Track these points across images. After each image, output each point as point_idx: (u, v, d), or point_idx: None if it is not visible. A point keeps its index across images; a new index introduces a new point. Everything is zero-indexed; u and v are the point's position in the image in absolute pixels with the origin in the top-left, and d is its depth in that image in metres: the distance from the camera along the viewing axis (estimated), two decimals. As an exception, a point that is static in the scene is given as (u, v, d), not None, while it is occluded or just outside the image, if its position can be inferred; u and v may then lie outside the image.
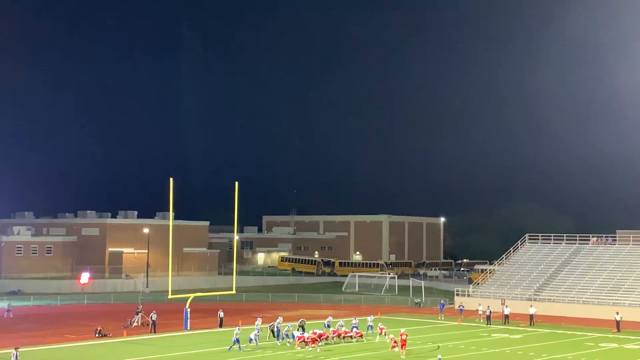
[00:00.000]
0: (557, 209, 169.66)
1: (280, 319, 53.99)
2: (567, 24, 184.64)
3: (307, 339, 48.58)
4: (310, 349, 47.72)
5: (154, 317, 56.89)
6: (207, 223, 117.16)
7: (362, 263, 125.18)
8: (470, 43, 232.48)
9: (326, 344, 49.93)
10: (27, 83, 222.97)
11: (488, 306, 64.90)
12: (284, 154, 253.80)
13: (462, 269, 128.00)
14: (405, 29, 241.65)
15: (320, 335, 49.57)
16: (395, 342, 46.66)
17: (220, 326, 59.12)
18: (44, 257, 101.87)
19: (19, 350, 38.10)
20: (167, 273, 67.48)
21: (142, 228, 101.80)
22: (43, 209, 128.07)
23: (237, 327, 49.24)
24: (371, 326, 54.98)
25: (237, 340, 47.23)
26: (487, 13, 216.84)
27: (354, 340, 51.72)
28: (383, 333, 52.22)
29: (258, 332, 49.84)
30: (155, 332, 55.81)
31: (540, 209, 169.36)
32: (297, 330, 51.73)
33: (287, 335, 50.79)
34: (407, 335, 46.23)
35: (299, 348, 48.15)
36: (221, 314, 60.34)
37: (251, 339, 48.71)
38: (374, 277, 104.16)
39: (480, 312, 65.49)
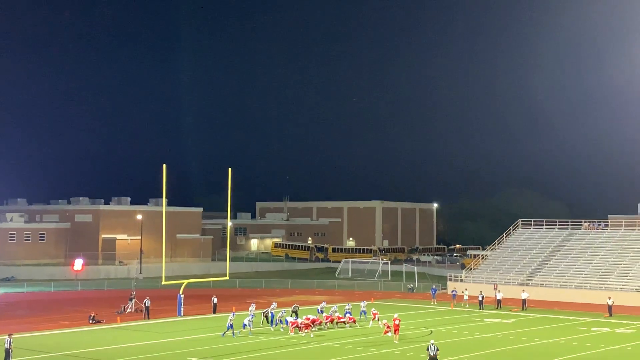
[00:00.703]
0: (549, 195, 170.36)
1: (274, 305, 54.09)
2: (564, 14, 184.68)
3: (301, 324, 48.72)
4: (304, 334, 47.86)
5: (148, 303, 56.90)
6: (200, 209, 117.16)
7: (355, 249, 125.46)
8: (467, 32, 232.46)
9: (319, 329, 50.11)
10: (21, 72, 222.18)
11: (480, 291, 65.15)
12: (277, 140, 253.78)
13: (454, 254, 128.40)
14: (402, 21, 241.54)
15: (313, 321, 49.70)
16: (388, 327, 46.85)
17: (214, 312, 59.23)
18: (37, 243, 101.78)
19: (13, 336, 38.09)
20: (160, 259, 67.53)
21: (135, 214, 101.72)
22: (36, 195, 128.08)
23: (232, 313, 49.34)
24: (364, 312, 55.17)
25: (231, 326, 47.35)
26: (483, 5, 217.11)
27: (347, 325, 51.91)
28: (376, 318, 52.39)
29: (252, 317, 49.97)
30: (148, 318, 55.86)
31: (532, 194, 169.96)
32: (291, 315, 51.88)
33: (280, 321, 50.91)
34: (400, 320, 46.43)
35: (292, 334, 48.29)
36: (215, 299, 60.44)
37: (245, 325, 48.83)
38: (367, 262, 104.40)
39: (465, 297, 65.79)
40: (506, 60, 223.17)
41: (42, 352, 41.05)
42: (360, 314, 54.95)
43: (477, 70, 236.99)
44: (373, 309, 54.82)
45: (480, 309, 62.78)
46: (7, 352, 37.12)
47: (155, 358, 39.86)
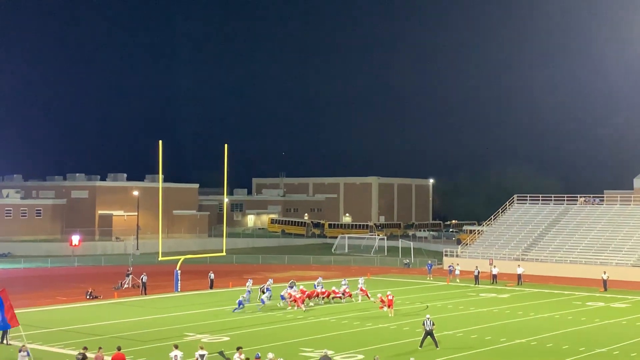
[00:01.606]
0: (545, 170, 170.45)
1: (270, 281, 54.21)
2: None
3: (296, 297, 48.62)
4: (296, 309, 47.94)
5: (145, 279, 57.06)
6: (196, 185, 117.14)
7: (352, 225, 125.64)
8: (470, 5, 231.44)
9: (316, 304, 50.24)
10: (16, 46, 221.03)
11: (476, 266, 65.39)
12: (273, 116, 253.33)
13: (450, 229, 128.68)
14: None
15: (309, 295, 49.87)
16: (382, 302, 47.10)
17: (211, 288, 59.41)
18: (33, 219, 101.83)
19: (11, 312, 38.19)
20: (157, 235, 67.60)
21: (131, 191, 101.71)
22: (32, 171, 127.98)
23: (247, 291, 49.14)
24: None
25: (241, 303, 47.43)
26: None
27: (343, 300, 52.05)
28: (366, 295, 52.47)
29: (270, 294, 49.58)
30: (146, 294, 56.04)
31: (528, 170, 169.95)
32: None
33: (282, 297, 50.33)
34: (393, 296, 46.67)
35: (289, 308, 48.41)
36: (212, 275, 60.60)
37: (263, 301, 48.62)
38: (364, 238, 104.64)
39: (457, 272, 65.84)
40: (503, 36, 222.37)
41: (39, 327, 41.19)
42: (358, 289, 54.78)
43: (475, 46, 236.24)
44: (363, 285, 54.34)
45: (475, 284, 63.05)
46: (5, 328, 37.26)
47: (153, 333, 40.03)
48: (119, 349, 29.17)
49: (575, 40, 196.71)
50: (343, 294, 52.44)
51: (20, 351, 30.09)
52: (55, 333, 39.95)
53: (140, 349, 35.71)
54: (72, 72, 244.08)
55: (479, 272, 64.13)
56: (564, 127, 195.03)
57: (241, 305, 47.49)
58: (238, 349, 28.51)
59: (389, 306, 45.97)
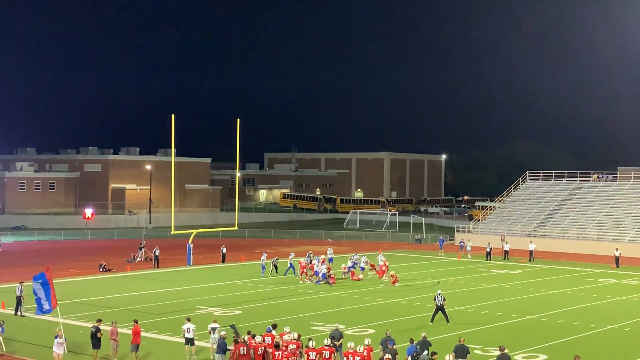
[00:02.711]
0: (558, 146, 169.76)
1: (292, 255, 54.04)
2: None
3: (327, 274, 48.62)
4: (305, 282, 48.15)
5: (157, 252, 57.32)
6: (209, 160, 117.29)
7: (364, 200, 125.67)
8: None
9: (326, 283, 50.29)
10: (27, 20, 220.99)
11: (488, 242, 65.32)
12: (285, 90, 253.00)
13: (462, 205, 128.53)
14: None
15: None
16: (392, 276, 47.39)
17: (223, 261, 59.65)
18: (47, 192, 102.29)
19: (24, 284, 38.50)
20: (169, 209, 67.85)
21: (144, 164, 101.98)
22: (45, 145, 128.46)
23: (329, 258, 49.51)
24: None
25: (324, 276, 47.86)
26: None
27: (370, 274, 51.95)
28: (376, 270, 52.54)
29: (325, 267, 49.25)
30: (158, 267, 56.34)
31: (541, 146, 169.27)
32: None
33: (317, 272, 49.76)
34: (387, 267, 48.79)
35: (308, 281, 48.58)
36: (224, 249, 60.82)
37: (322, 274, 48.52)
38: (375, 213, 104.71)
39: (468, 248, 65.59)
40: (515, 8, 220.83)
41: (53, 299, 41.48)
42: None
43: (487, 19, 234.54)
44: (365, 258, 54.01)
45: (487, 260, 63.04)
46: (19, 300, 37.62)
47: (165, 306, 40.28)
48: (135, 321, 29.39)
49: (590, 12, 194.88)
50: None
51: (56, 337, 28.24)
52: (69, 305, 40.24)
53: (153, 321, 35.97)
54: (85, 45, 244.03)
55: (491, 248, 64.06)
56: (578, 102, 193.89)
57: (324, 278, 47.91)
58: (274, 326, 28.48)
59: (382, 274, 47.96)
